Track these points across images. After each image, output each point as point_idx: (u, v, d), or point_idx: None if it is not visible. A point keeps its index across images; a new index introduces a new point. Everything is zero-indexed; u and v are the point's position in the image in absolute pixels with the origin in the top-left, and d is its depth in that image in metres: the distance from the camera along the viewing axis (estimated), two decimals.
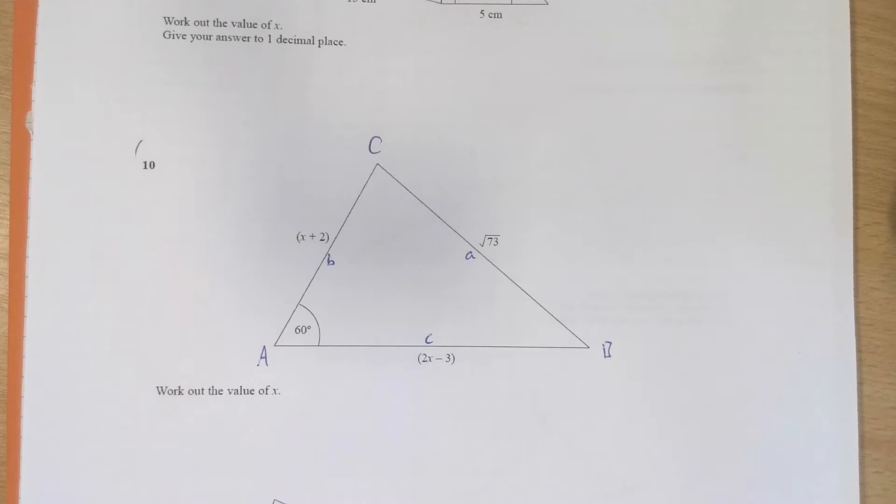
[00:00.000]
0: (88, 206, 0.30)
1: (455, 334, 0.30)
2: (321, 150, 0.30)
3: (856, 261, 0.31)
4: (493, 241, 0.30)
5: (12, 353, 0.29)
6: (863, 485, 0.30)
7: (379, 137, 0.30)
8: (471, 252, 0.30)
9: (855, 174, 0.31)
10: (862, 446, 0.30)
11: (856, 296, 0.31)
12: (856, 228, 0.31)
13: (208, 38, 0.30)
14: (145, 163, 0.30)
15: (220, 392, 0.30)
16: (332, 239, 0.30)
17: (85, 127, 0.30)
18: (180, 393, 0.29)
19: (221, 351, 0.30)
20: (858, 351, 0.31)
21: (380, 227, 0.30)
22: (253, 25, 0.30)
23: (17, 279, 0.29)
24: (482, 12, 0.31)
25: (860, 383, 0.31)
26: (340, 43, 0.31)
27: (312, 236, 0.30)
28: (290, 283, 0.30)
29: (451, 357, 0.30)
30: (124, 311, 0.29)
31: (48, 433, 0.29)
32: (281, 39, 0.30)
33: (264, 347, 0.30)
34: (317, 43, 0.30)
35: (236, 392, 0.30)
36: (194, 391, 0.29)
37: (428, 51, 0.31)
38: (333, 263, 0.30)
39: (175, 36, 0.30)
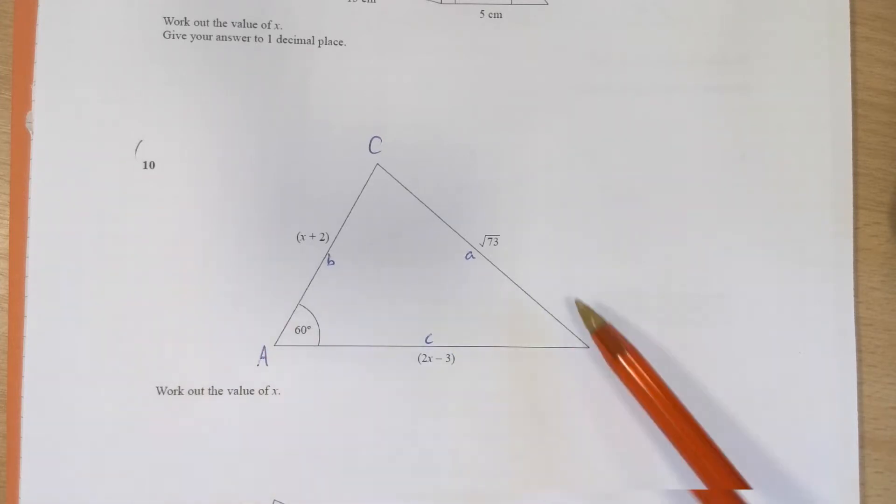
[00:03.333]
0: (88, 206, 0.30)
1: (455, 334, 0.30)
2: (321, 150, 0.30)
3: (856, 261, 0.31)
4: (493, 241, 0.30)
5: (12, 353, 0.29)
6: (863, 485, 0.30)
7: (379, 137, 0.30)
8: (471, 252, 0.30)
9: (855, 174, 0.31)
10: (862, 446, 0.30)
11: (856, 296, 0.31)
12: (856, 228, 0.31)
13: (208, 38, 0.30)
14: (145, 163, 0.30)
15: (220, 392, 0.30)
16: (332, 239, 0.30)
17: (85, 127, 0.30)
18: (180, 393, 0.29)
19: (221, 351, 0.30)
20: (858, 351, 0.31)
21: (380, 227, 0.30)
22: (253, 25, 0.30)
23: (17, 279, 0.29)
24: (482, 12, 0.31)
25: (860, 383, 0.31)
26: (340, 43, 0.31)
27: (312, 236, 0.30)
28: (290, 283, 0.30)
29: (451, 357, 0.30)
30: (124, 311, 0.29)
31: (48, 433, 0.29)
32: (281, 39, 0.30)
33: (264, 347, 0.30)
34: (317, 43, 0.30)
35: (236, 392, 0.30)
36: (194, 391, 0.29)
37: (428, 51, 0.31)
38: (333, 263, 0.30)
39: (175, 36, 0.30)
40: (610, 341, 0.29)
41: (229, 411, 0.29)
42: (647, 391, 0.28)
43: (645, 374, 0.28)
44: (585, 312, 0.29)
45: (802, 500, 0.30)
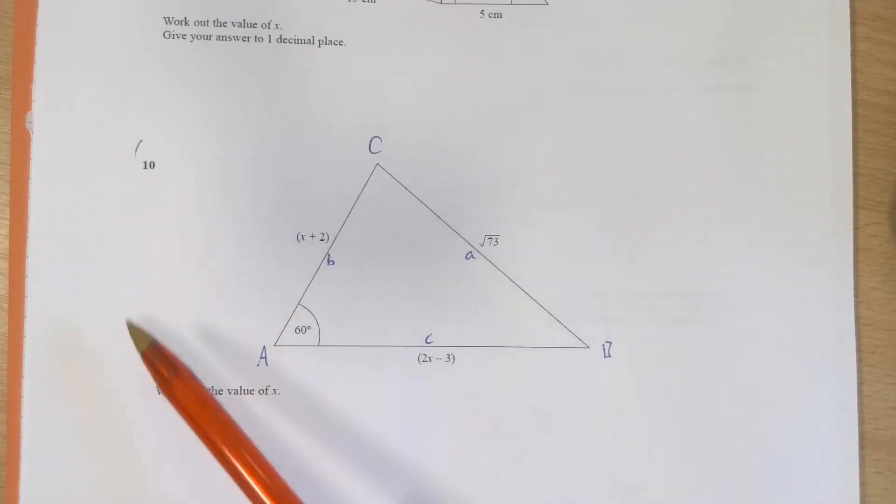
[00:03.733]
0: (88, 206, 0.30)
1: (455, 334, 0.30)
2: (321, 150, 0.30)
3: (856, 261, 0.31)
4: (493, 241, 0.30)
5: (12, 353, 0.29)
6: (863, 485, 0.30)
7: (379, 137, 0.30)
8: (471, 252, 0.30)
9: (855, 174, 0.31)
10: (862, 446, 0.30)
11: (856, 296, 0.31)
12: (856, 228, 0.31)
13: (208, 38, 0.30)
14: (145, 163, 0.30)
15: (220, 392, 0.30)
16: (332, 239, 0.30)
17: (85, 127, 0.30)
18: None
19: (221, 351, 0.30)
20: (858, 351, 0.31)
21: (380, 227, 0.30)
22: (253, 25, 0.30)
23: (17, 279, 0.29)
24: (482, 12, 0.31)
25: (860, 383, 0.31)
26: (340, 43, 0.31)
27: (312, 236, 0.30)
28: (290, 283, 0.30)
29: (451, 357, 0.30)
30: (124, 312, 0.29)
31: (48, 433, 0.29)
32: (281, 39, 0.30)
33: (264, 347, 0.30)
34: (317, 43, 0.30)
35: (236, 392, 0.30)
36: None
37: (428, 51, 0.31)
38: (333, 263, 0.30)
39: (175, 36, 0.30)
40: (163, 363, 0.27)
41: (229, 411, 0.29)
42: (204, 419, 0.27)
43: (202, 400, 0.27)
44: (134, 332, 0.28)
45: (803, 500, 0.30)
